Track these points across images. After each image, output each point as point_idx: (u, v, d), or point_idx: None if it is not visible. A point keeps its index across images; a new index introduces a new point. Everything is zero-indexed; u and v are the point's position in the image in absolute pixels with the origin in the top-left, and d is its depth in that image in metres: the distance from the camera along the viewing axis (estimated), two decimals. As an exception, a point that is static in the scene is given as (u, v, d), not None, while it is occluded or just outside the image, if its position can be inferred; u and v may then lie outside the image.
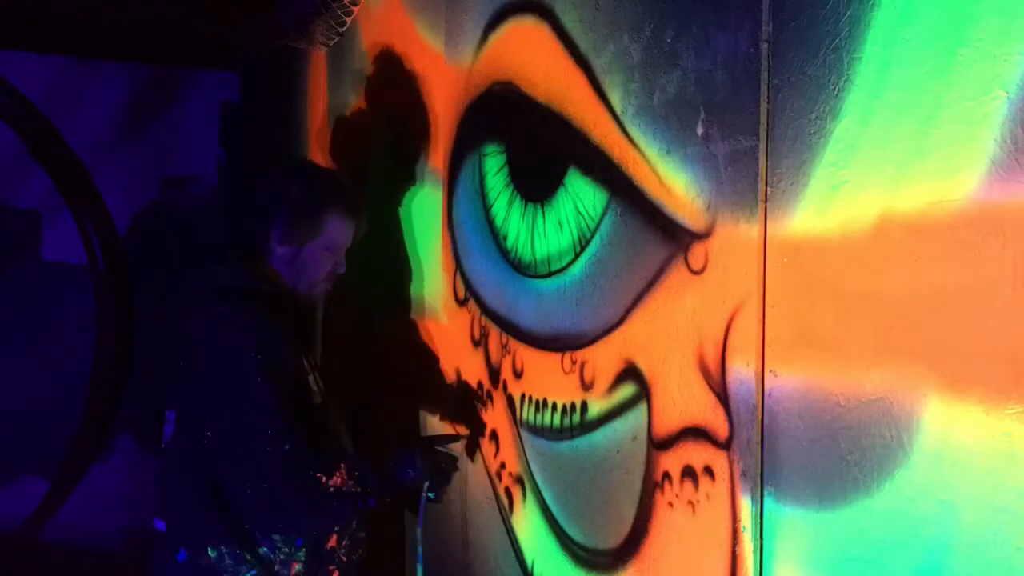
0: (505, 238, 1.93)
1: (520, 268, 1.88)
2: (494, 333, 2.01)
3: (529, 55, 1.83)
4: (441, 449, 1.99)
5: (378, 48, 2.70)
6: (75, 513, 4.05)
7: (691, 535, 1.39)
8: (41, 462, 4.06)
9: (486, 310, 2.05)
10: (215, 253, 2.15)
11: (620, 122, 1.54)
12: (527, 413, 1.87)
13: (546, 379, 1.80)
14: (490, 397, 2.05)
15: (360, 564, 2.04)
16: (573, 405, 1.70)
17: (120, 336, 4.07)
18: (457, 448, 2.06)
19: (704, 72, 1.35)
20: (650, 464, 1.48)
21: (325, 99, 3.16)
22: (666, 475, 1.44)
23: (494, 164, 1.98)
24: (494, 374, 2.01)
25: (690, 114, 1.38)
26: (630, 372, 1.53)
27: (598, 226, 1.60)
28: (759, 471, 1.25)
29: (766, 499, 1.24)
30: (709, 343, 1.34)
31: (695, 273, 1.37)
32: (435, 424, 2.33)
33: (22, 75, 3.84)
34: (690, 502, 1.38)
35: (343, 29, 2.78)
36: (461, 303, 2.18)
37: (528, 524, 1.89)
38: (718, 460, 1.32)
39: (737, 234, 1.28)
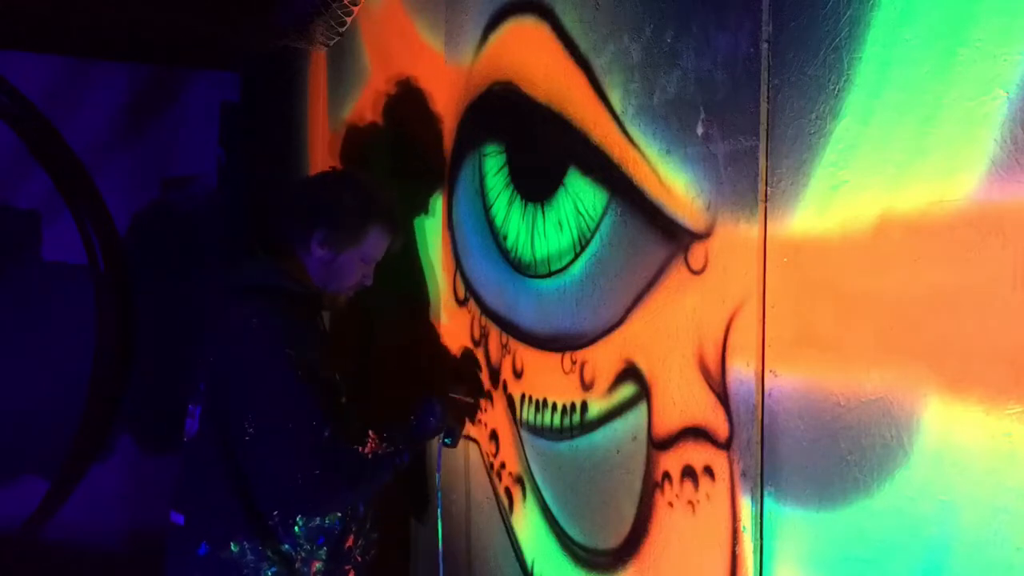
0: (505, 238, 1.93)
1: (520, 268, 1.88)
2: (494, 333, 2.01)
3: (529, 55, 1.83)
4: (456, 396, 2.09)
5: (378, 48, 2.70)
6: (75, 513, 4.05)
7: (691, 535, 1.39)
8: (41, 462, 4.06)
9: (486, 310, 2.05)
10: (238, 250, 2.16)
11: (620, 122, 1.54)
12: (527, 413, 1.87)
13: (546, 379, 1.80)
14: (490, 397, 2.05)
15: (372, 564, 2.07)
16: (573, 405, 1.70)
17: (120, 336, 4.07)
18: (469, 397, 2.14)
19: (704, 72, 1.35)
20: (650, 464, 1.48)
21: (325, 99, 3.16)
22: (666, 475, 1.44)
23: (494, 164, 1.98)
24: (494, 374, 2.02)
25: (690, 114, 1.38)
26: (630, 372, 1.53)
27: (598, 226, 1.60)
28: (759, 471, 1.25)
29: (766, 499, 1.24)
30: (709, 343, 1.34)
31: (695, 273, 1.37)
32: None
33: (22, 75, 3.84)
34: (690, 502, 1.38)
35: (343, 29, 2.78)
36: (461, 303, 2.18)
37: (528, 524, 1.89)
38: (718, 460, 1.32)
39: (737, 234, 1.28)
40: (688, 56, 1.39)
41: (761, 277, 1.24)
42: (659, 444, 1.46)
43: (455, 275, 2.20)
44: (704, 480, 1.35)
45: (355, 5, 2.67)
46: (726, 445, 1.30)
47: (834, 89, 1.12)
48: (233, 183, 4.15)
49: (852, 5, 1.10)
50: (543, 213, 1.77)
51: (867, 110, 1.08)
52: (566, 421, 1.73)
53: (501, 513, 2.01)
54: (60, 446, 4.01)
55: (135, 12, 3.27)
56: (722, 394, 1.31)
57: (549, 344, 1.78)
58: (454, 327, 2.22)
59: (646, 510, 1.49)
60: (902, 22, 1.03)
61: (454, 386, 2.12)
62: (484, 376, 2.07)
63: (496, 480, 2.03)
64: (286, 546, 1.89)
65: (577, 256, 1.67)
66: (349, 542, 1.99)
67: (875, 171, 1.07)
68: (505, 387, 1.97)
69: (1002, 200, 0.92)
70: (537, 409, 1.83)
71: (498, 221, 1.96)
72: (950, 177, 0.97)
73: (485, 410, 2.11)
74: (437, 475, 2.16)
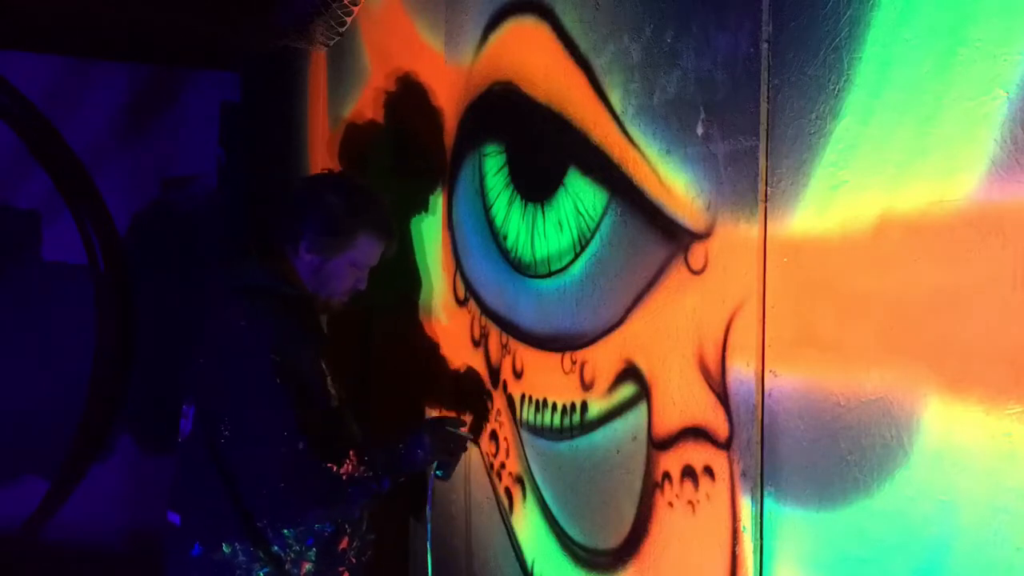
0: (505, 238, 1.93)
1: (520, 268, 1.88)
2: (494, 333, 2.01)
3: (529, 55, 1.83)
4: (450, 429, 2.02)
5: (378, 48, 2.70)
6: (75, 513, 4.05)
7: (691, 535, 1.39)
8: (41, 462, 4.06)
9: (486, 310, 2.05)
10: (233, 249, 2.14)
11: (620, 122, 1.54)
12: (527, 413, 1.87)
13: (546, 379, 1.80)
14: (490, 397, 2.05)
15: (368, 566, 2.05)
16: (573, 405, 1.70)
17: (120, 336, 4.07)
18: (464, 430, 2.08)
19: (704, 72, 1.35)
20: (650, 464, 1.48)
21: (325, 99, 3.16)
22: (666, 475, 1.44)
23: (494, 164, 1.98)
24: (494, 374, 2.02)
25: (690, 114, 1.38)
26: (630, 372, 1.53)
27: (598, 226, 1.60)
28: (759, 471, 1.25)
29: (766, 499, 1.24)
30: (709, 343, 1.34)
31: (695, 273, 1.37)
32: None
33: (22, 75, 3.84)
34: (690, 502, 1.38)
35: (343, 29, 2.78)
36: (461, 303, 2.18)
37: (528, 524, 1.89)
38: (718, 460, 1.32)
39: (737, 234, 1.28)
40: (688, 56, 1.39)
41: (761, 277, 1.24)
42: (659, 444, 1.46)
43: (455, 275, 2.20)
44: (704, 480, 1.35)
45: (355, 5, 2.67)
46: (726, 445, 1.30)
47: (834, 89, 1.12)
48: (233, 183, 4.15)
49: (852, 5, 1.10)
50: (543, 213, 1.77)
51: (867, 110, 1.08)
52: (566, 421, 1.73)
53: (501, 513, 2.01)
54: (60, 446, 4.01)
55: (135, 12, 3.27)
56: (722, 394, 1.31)
57: (549, 344, 1.78)
58: (454, 327, 2.22)
59: (646, 510, 1.49)
60: (902, 22, 1.03)
61: (453, 420, 2.07)
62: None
63: (496, 480, 2.03)
64: (275, 547, 1.89)
65: (577, 256, 1.67)
66: (343, 543, 1.97)
67: (875, 171, 1.07)
68: (505, 387, 1.97)
69: (1002, 200, 0.91)
70: (537, 409, 1.83)
71: (498, 221, 1.96)
72: (950, 177, 0.97)
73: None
74: (427, 509, 2.09)
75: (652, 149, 1.46)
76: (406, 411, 2.47)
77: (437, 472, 2.05)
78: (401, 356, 2.54)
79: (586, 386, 1.66)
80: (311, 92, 3.30)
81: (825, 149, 1.14)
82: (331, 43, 2.93)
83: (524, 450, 1.89)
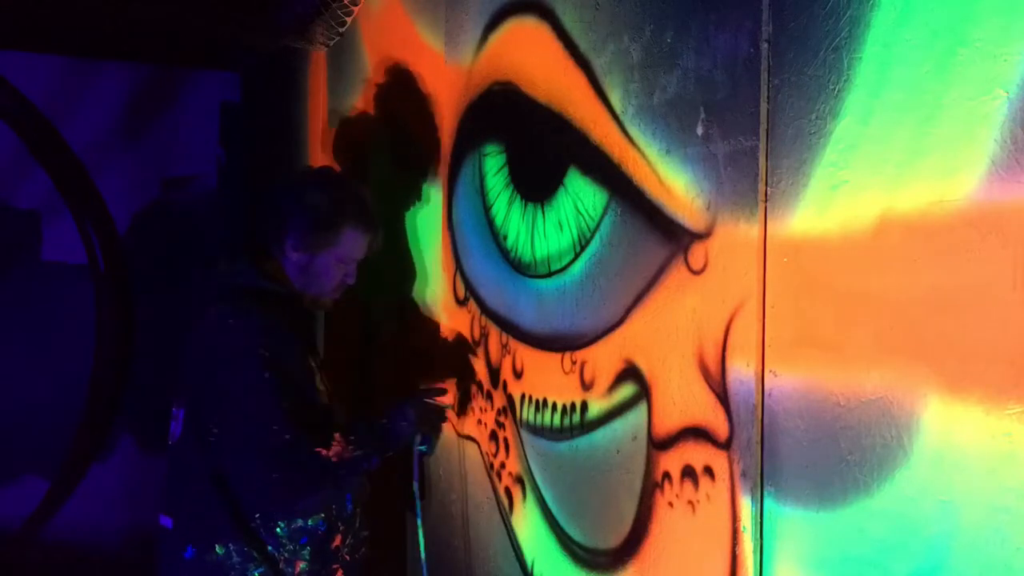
0: (505, 238, 1.93)
1: (520, 268, 1.88)
2: (494, 333, 2.01)
3: (529, 55, 1.83)
4: (430, 402, 2.06)
5: (378, 48, 2.70)
6: (75, 513, 4.05)
7: (691, 535, 1.39)
8: (41, 462, 4.06)
9: (486, 310, 2.05)
10: (224, 250, 2.14)
11: (620, 122, 1.54)
12: (527, 413, 1.87)
13: (546, 379, 1.80)
14: (490, 397, 2.05)
15: (363, 563, 2.06)
16: (573, 405, 1.70)
17: (120, 336, 4.07)
18: (447, 400, 2.12)
19: (704, 72, 1.35)
20: (650, 464, 1.48)
21: (325, 99, 3.16)
22: (666, 475, 1.44)
23: (494, 164, 1.98)
24: (494, 374, 2.02)
25: (690, 114, 1.38)
26: (630, 372, 1.53)
27: (598, 226, 1.60)
28: (759, 471, 1.25)
29: (766, 499, 1.24)
30: (709, 343, 1.34)
31: (695, 273, 1.37)
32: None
33: (22, 75, 3.83)
34: (690, 502, 1.38)
35: (343, 29, 2.78)
36: (461, 303, 2.18)
37: (528, 524, 1.89)
38: (718, 460, 1.32)
39: (737, 234, 1.28)
40: (688, 56, 1.39)
41: (761, 277, 1.24)
42: (659, 444, 1.46)
43: (455, 275, 2.20)
44: (704, 480, 1.35)
45: (355, 5, 2.66)
46: (726, 445, 1.30)
47: (834, 89, 1.12)
48: (233, 183, 4.15)
49: (852, 5, 1.10)
50: (543, 213, 1.77)
51: (867, 110, 1.08)
52: (566, 421, 1.73)
53: (501, 513, 2.01)
54: (60, 446, 4.01)
55: (135, 12, 3.27)
56: (722, 394, 1.31)
57: (549, 344, 1.78)
58: (454, 327, 2.22)
59: (646, 510, 1.49)
60: (902, 22, 1.03)
61: (430, 390, 2.09)
62: (480, 372, 2.07)
63: (496, 480, 2.03)
64: (269, 547, 1.89)
65: (577, 256, 1.67)
66: (336, 541, 1.98)
67: (875, 171, 1.07)
68: (505, 387, 1.97)
69: (1002, 200, 0.91)
70: (537, 409, 1.83)
71: (498, 221, 1.96)
72: (950, 177, 0.97)
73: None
74: (414, 484, 2.11)
75: (652, 149, 1.46)
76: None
77: (421, 447, 2.08)
78: (402, 351, 2.54)
79: (586, 386, 1.66)
80: (311, 92, 3.30)
81: (825, 149, 1.14)
82: (331, 43, 2.93)
83: (524, 450, 1.89)
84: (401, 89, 2.52)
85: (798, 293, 1.18)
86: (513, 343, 1.93)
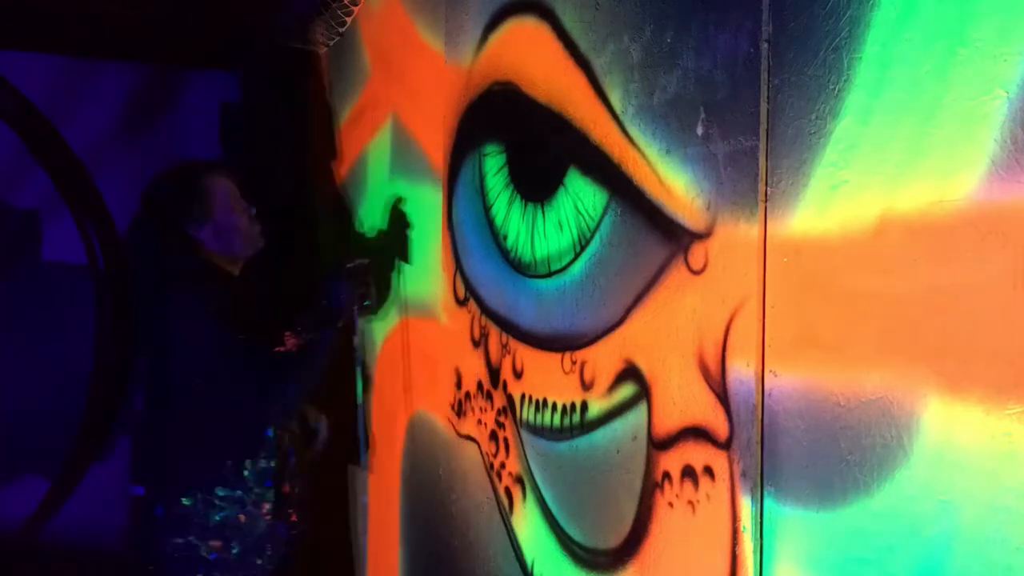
0: (505, 238, 1.93)
1: (520, 268, 1.88)
2: (494, 333, 2.01)
3: (529, 55, 1.83)
4: (351, 265, 2.41)
5: (378, 48, 2.70)
6: (75, 513, 4.05)
7: (691, 535, 1.39)
8: (41, 462, 4.06)
9: (486, 310, 2.05)
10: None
11: (620, 122, 1.54)
12: (527, 413, 1.87)
13: (546, 379, 1.80)
14: (490, 397, 2.05)
15: (303, 503, 2.33)
16: (573, 405, 1.70)
17: (120, 336, 4.07)
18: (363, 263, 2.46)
19: (704, 72, 1.35)
20: (650, 464, 1.48)
21: (325, 99, 3.16)
22: (666, 475, 1.44)
23: (494, 164, 1.98)
24: (494, 374, 2.01)
25: (690, 114, 1.38)
26: (630, 372, 1.53)
27: (598, 226, 1.60)
28: (759, 471, 1.25)
29: (766, 499, 1.24)
30: (709, 343, 1.34)
31: (695, 273, 1.37)
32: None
33: (22, 75, 3.83)
34: (690, 502, 1.38)
35: (343, 29, 2.78)
36: (461, 303, 2.18)
37: (528, 524, 1.89)
38: (718, 460, 1.32)
39: (737, 234, 1.28)
40: (688, 56, 1.39)
41: (761, 277, 1.24)
42: (659, 444, 1.46)
43: (455, 275, 2.20)
44: (704, 480, 1.35)
45: (355, 5, 2.66)
46: (726, 445, 1.30)
47: (834, 89, 1.12)
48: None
49: (852, 5, 1.10)
50: (543, 213, 1.77)
51: (867, 110, 1.08)
52: (566, 421, 1.73)
53: (501, 513, 2.01)
54: (60, 446, 4.01)
55: (135, 12, 3.27)
56: (722, 394, 1.31)
57: (549, 344, 1.78)
58: (454, 327, 2.22)
59: (646, 510, 1.49)
60: (902, 22, 1.03)
61: (349, 257, 2.40)
62: (477, 367, 2.08)
63: (496, 480, 2.03)
64: (238, 492, 2.12)
65: (577, 256, 1.67)
66: (286, 489, 2.21)
67: (875, 171, 1.07)
68: (505, 387, 1.97)
69: (1002, 200, 0.91)
70: (537, 409, 1.83)
71: (498, 221, 1.96)
72: (950, 177, 0.97)
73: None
74: (355, 339, 2.45)
75: (652, 149, 1.46)
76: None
77: (365, 303, 2.43)
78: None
79: (586, 386, 1.66)
80: (311, 92, 3.30)
81: (825, 149, 1.14)
82: (331, 43, 2.93)
83: (524, 450, 1.89)
84: (401, 89, 2.52)
85: (798, 293, 1.18)
86: (513, 343, 1.93)
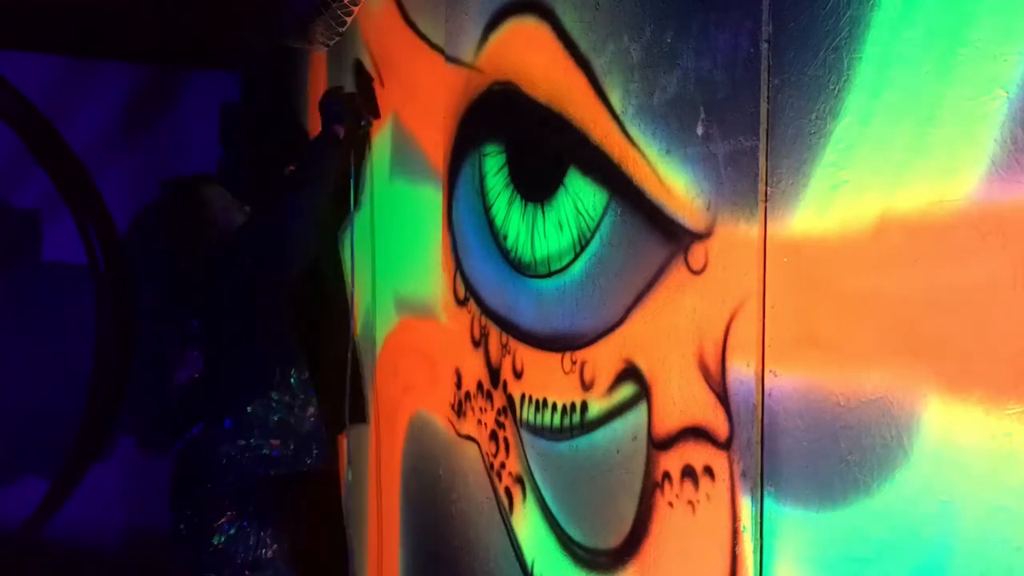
0: (505, 238, 1.93)
1: (520, 268, 1.88)
2: (494, 333, 2.01)
3: (529, 55, 1.83)
4: (331, 99, 2.66)
5: (378, 48, 2.70)
6: (75, 513, 4.05)
7: (691, 535, 1.39)
8: (41, 462, 4.06)
9: (486, 310, 2.05)
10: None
11: (620, 122, 1.54)
12: (527, 413, 1.87)
13: (546, 379, 1.80)
14: (490, 397, 2.05)
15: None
16: (573, 405, 1.70)
17: (120, 336, 4.07)
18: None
19: (704, 72, 1.35)
20: (650, 464, 1.48)
21: (325, 99, 3.15)
22: (666, 475, 1.44)
23: (494, 164, 1.98)
24: (494, 374, 2.01)
25: (690, 114, 1.38)
26: (630, 372, 1.53)
27: (598, 226, 1.60)
28: (759, 471, 1.25)
29: (766, 499, 1.24)
30: (709, 343, 1.34)
31: (695, 273, 1.37)
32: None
33: (22, 75, 3.83)
34: (690, 502, 1.38)
35: (343, 29, 2.78)
36: (461, 303, 2.18)
37: (528, 524, 1.89)
38: (718, 460, 1.32)
39: (737, 234, 1.28)
40: (688, 56, 1.39)
41: (761, 277, 1.24)
42: (659, 444, 1.46)
43: (455, 275, 2.20)
44: (704, 480, 1.35)
45: (355, 5, 2.66)
46: (726, 445, 1.30)
47: (834, 89, 1.12)
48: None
49: (852, 5, 1.10)
50: (543, 213, 1.77)
51: (867, 110, 1.08)
52: (566, 421, 1.73)
53: (501, 513, 2.01)
54: (60, 446, 4.01)
55: (135, 12, 3.27)
56: (722, 394, 1.31)
57: (549, 344, 1.78)
58: (454, 327, 2.22)
59: (646, 510, 1.49)
60: (902, 22, 1.03)
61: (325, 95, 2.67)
62: (478, 367, 2.08)
63: (496, 480, 2.03)
64: (287, 396, 2.59)
65: (577, 256, 1.67)
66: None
67: (875, 171, 1.07)
68: (505, 387, 1.97)
69: (1002, 200, 0.92)
70: (537, 409, 1.83)
71: (498, 221, 1.96)
72: (950, 177, 0.97)
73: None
74: (352, 199, 2.72)
75: (652, 149, 1.46)
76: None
77: (365, 125, 2.67)
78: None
79: (586, 386, 1.66)
80: (311, 92, 3.30)
81: (825, 149, 1.14)
82: (331, 43, 2.93)
83: (524, 450, 1.89)
84: (401, 89, 2.52)
85: (798, 293, 1.18)
86: (513, 343, 1.93)
